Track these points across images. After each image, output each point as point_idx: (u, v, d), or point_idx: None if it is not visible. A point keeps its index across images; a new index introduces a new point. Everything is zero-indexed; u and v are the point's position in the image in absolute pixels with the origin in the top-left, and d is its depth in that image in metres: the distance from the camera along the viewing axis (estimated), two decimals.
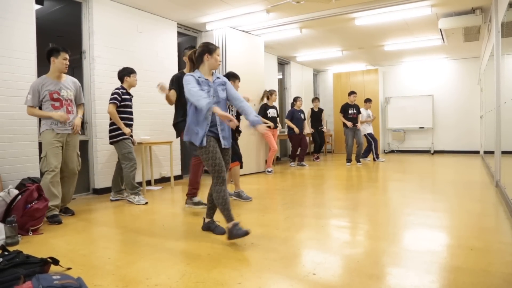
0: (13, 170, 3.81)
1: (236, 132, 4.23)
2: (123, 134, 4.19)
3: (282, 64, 9.67)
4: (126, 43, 5.18)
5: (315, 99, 8.67)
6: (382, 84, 10.48)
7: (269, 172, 6.61)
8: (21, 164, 3.89)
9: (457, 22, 5.87)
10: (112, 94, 4.18)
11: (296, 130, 7.37)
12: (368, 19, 6.08)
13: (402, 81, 10.45)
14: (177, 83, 3.83)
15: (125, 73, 4.31)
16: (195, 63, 2.85)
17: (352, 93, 7.78)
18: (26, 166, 3.93)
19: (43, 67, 4.49)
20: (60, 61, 3.46)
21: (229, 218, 2.65)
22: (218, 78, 2.88)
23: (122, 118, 4.20)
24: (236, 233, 2.58)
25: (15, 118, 3.86)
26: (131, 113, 4.34)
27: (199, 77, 2.75)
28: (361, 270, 2.09)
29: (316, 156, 8.69)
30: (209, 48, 2.78)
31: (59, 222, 3.34)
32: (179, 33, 6.25)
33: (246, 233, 2.57)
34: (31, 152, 3.98)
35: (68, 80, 3.62)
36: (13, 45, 3.87)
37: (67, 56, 3.52)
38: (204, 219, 3.01)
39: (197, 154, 2.78)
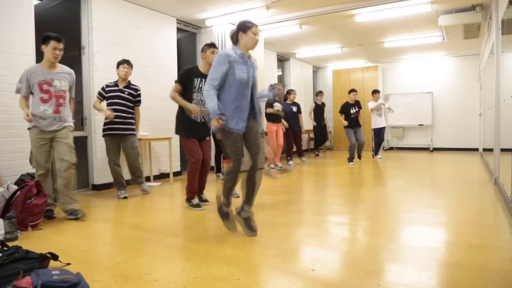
0: (12, 166, 3.81)
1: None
2: (105, 129, 4.24)
3: (282, 60, 9.65)
4: (125, 39, 5.16)
5: (320, 92, 8.48)
6: (382, 81, 10.46)
7: (274, 167, 6.60)
8: (20, 160, 3.88)
9: (457, 19, 5.86)
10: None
11: (285, 124, 6.90)
12: (368, 16, 6.07)
13: (401, 78, 10.44)
14: (185, 77, 3.58)
15: (116, 66, 4.33)
16: (233, 44, 2.75)
17: (352, 91, 7.43)
18: (25, 162, 3.92)
19: None
20: (49, 50, 3.21)
21: (223, 194, 2.81)
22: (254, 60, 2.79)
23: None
24: (221, 211, 2.83)
25: (14, 114, 3.84)
26: (119, 104, 4.21)
27: (236, 53, 2.62)
28: (360, 266, 2.10)
29: (316, 153, 8.71)
30: (244, 26, 2.64)
31: (49, 217, 3.34)
32: (179, 29, 6.23)
33: (225, 216, 2.81)
34: (30, 148, 3.97)
35: (65, 70, 3.41)
36: (12, 40, 3.85)
37: (57, 45, 3.23)
38: (236, 209, 2.92)
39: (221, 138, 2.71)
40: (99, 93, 4.23)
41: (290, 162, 7.14)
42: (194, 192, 3.77)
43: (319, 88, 11.74)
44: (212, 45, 3.64)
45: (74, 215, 3.32)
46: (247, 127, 2.72)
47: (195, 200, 3.76)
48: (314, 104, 8.50)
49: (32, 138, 3.27)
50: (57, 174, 3.34)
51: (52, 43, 3.21)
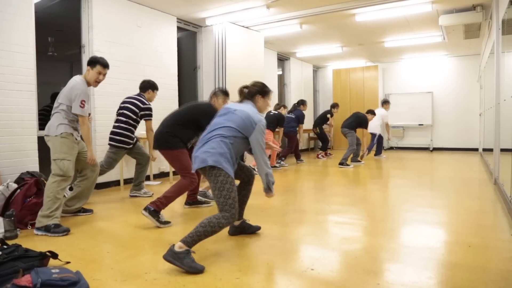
0: (11, 164, 3.80)
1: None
2: (126, 142, 4.13)
3: (282, 60, 9.65)
4: (126, 37, 5.16)
5: (337, 105, 8.55)
6: (382, 80, 10.46)
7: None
8: (20, 159, 3.88)
9: (458, 19, 5.86)
10: (149, 108, 4.20)
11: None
12: (368, 15, 6.06)
13: (401, 78, 10.44)
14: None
15: (151, 86, 4.33)
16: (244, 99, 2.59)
17: (374, 113, 7.70)
18: (25, 161, 3.92)
19: (41, 61, 4.47)
20: (94, 73, 3.17)
21: (193, 243, 2.11)
22: None
23: (126, 129, 4.14)
24: (189, 263, 2.04)
25: (13, 112, 3.84)
26: (133, 129, 4.24)
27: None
28: (359, 266, 2.10)
29: (322, 155, 8.62)
30: (264, 90, 2.60)
31: (67, 231, 2.88)
32: (179, 28, 6.22)
33: (199, 271, 2.04)
34: (29, 146, 3.97)
35: None
36: (12, 39, 3.84)
37: (102, 71, 3.20)
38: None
39: (213, 179, 2.25)
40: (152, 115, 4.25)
41: (282, 163, 7.21)
42: (166, 205, 3.15)
43: (319, 88, 11.76)
44: (227, 95, 3.64)
45: (90, 211, 3.57)
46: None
47: (164, 217, 3.14)
48: (330, 116, 8.52)
49: (70, 145, 3.07)
50: (87, 179, 3.41)
51: (98, 68, 3.19)
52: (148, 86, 4.32)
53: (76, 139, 3.17)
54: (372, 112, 7.65)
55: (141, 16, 5.41)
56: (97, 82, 3.23)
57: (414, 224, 2.99)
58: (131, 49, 5.23)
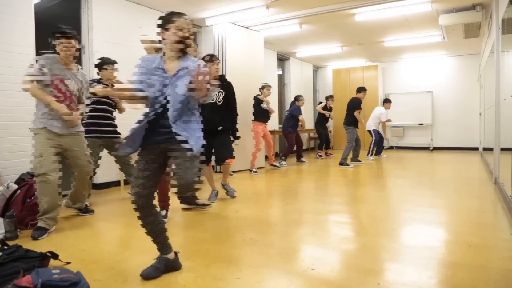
0: (12, 165, 3.80)
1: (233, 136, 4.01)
2: (93, 131, 3.64)
3: (282, 60, 9.65)
4: (126, 38, 5.16)
5: (332, 97, 8.34)
6: (382, 80, 10.46)
7: (254, 172, 6.10)
8: (20, 159, 3.88)
9: (458, 19, 5.86)
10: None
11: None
12: (368, 15, 6.07)
13: (401, 77, 10.44)
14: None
15: (98, 65, 3.83)
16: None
17: (364, 89, 7.10)
18: (25, 161, 3.91)
19: None
20: (57, 47, 2.81)
21: (161, 246, 2.08)
22: (186, 67, 1.96)
23: (93, 118, 3.68)
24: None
25: (14, 113, 3.84)
26: (105, 116, 3.79)
27: (156, 65, 1.99)
28: (360, 266, 2.10)
29: (320, 154, 8.57)
30: (162, 19, 2.03)
31: (35, 238, 2.71)
32: None
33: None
34: (30, 147, 3.94)
35: (80, 72, 3.07)
36: (12, 39, 3.84)
37: (65, 42, 2.79)
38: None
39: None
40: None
41: (283, 162, 7.05)
42: (166, 201, 3.24)
43: (319, 88, 11.76)
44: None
45: (91, 212, 3.52)
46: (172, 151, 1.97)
47: (163, 211, 3.21)
48: (325, 104, 8.27)
49: (43, 138, 2.84)
50: (76, 180, 3.20)
51: (58, 38, 2.80)
52: (96, 67, 3.84)
53: (53, 131, 2.86)
54: (361, 89, 7.12)
55: (141, 16, 5.41)
56: (66, 54, 2.83)
57: (414, 223, 2.99)
58: (131, 50, 5.23)
